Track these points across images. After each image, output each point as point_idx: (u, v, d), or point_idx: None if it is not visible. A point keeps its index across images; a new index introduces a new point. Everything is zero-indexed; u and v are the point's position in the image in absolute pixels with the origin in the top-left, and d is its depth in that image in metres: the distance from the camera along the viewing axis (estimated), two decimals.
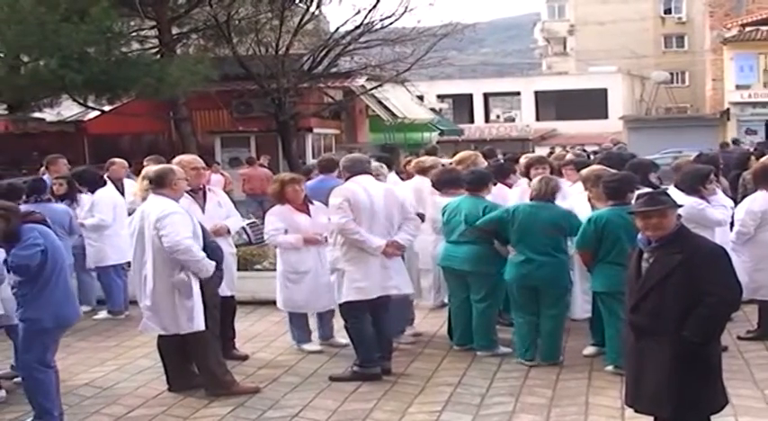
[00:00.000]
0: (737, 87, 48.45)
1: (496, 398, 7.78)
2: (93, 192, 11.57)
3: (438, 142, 35.29)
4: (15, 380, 8.08)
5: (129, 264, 11.15)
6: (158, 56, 24.42)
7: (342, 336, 9.21)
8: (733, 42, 48.55)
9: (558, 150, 24.80)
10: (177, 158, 8.98)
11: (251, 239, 13.84)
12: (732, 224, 9.35)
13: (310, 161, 25.68)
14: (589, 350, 8.95)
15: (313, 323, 9.62)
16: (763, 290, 9.20)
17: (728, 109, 49.44)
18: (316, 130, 30.73)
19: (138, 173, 10.46)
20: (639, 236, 5.94)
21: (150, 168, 9.59)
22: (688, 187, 9.01)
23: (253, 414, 7.55)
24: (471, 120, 63.24)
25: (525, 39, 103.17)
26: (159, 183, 7.94)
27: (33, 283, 6.96)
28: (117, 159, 13.32)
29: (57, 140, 24.73)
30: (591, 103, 60.05)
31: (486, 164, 11.52)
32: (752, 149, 19.76)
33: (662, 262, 5.73)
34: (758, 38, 47.22)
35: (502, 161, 13.07)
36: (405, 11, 28.05)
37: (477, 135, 56.64)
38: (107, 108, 24.44)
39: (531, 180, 9.68)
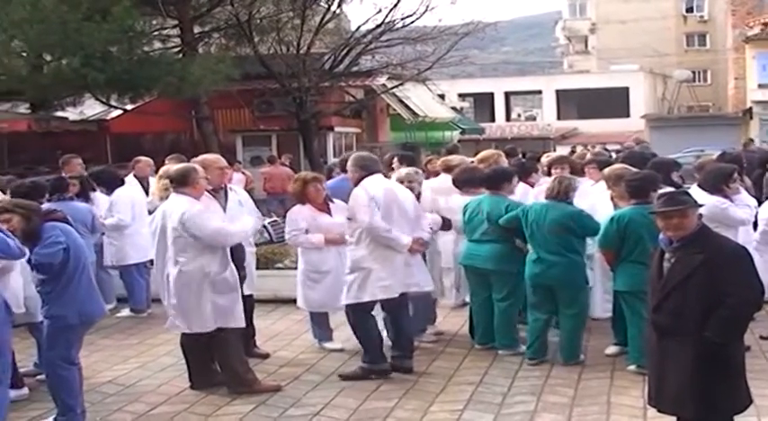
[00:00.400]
0: (760, 86, 48.13)
1: (518, 397, 7.76)
2: (111, 191, 11.62)
3: (459, 141, 35.24)
4: (39, 377, 8.12)
5: (151, 262, 11.26)
6: (180, 55, 24.50)
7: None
8: (755, 41, 48.26)
9: (579, 149, 24.73)
10: (201, 157, 8.95)
11: (272, 238, 13.87)
12: (756, 223, 9.28)
13: (331, 160, 25.68)
14: (611, 349, 8.92)
15: (334, 321, 9.63)
16: None
17: (751, 108, 49.17)
18: (337, 129, 30.74)
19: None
20: (661, 236, 5.92)
21: (170, 167, 9.65)
22: (711, 186, 8.96)
23: (274, 412, 7.56)
24: (492, 119, 63.13)
25: (546, 37, 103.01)
26: (181, 182, 7.96)
27: (57, 281, 7.00)
28: (143, 157, 13.40)
29: (79, 139, 24.82)
30: (612, 102, 59.87)
31: (507, 163, 11.49)
32: None
33: (683, 262, 5.71)
34: None
35: (523, 160, 13.03)
36: (426, 9, 28.13)
37: (498, 134, 56.51)
38: (129, 107, 24.56)
39: None
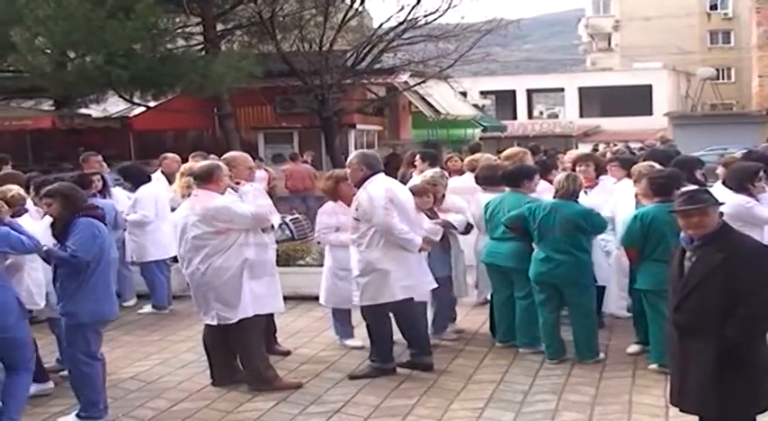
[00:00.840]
0: None
1: (539, 395, 7.74)
2: (136, 187, 11.65)
3: (480, 139, 35.23)
4: (62, 373, 8.15)
5: (172, 259, 11.30)
6: (203, 52, 24.58)
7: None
8: None
9: (601, 147, 24.65)
10: (231, 155, 8.93)
11: (294, 235, 13.83)
12: None
13: None
14: (633, 348, 8.88)
15: (355, 319, 9.63)
16: None
17: None
18: (359, 127, 30.74)
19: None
20: (682, 234, 5.89)
21: (193, 165, 9.68)
22: (737, 185, 8.88)
23: (295, 409, 7.57)
24: (514, 117, 63.05)
25: (569, 35, 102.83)
26: (205, 179, 8.00)
27: (75, 278, 6.99)
28: (170, 154, 13.45)
29: (102, 136, 24.96)
30: (635, 100, 59.68)
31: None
32: None
33: (704, 261, 5.68)
34: None
35: (544, 158, 13.01)
36: (448, 7, 28.09)
37: (521, 131, 56.46)
38: (152, 104, 24.67)
39: None
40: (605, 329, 9.59)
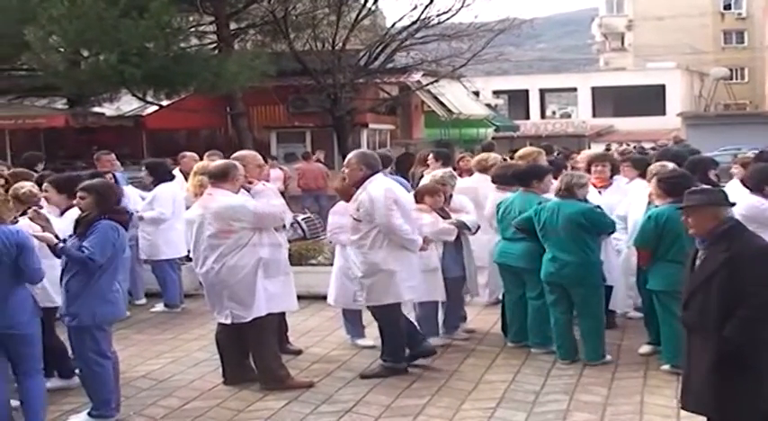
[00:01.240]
0: None
1: (551, 395, 7.73)
2: (156, 184, 11.67)
3: (493, 138, 35.21)
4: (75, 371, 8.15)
5: (185, 258, 11.33)
6: (216, 51, 24.65)
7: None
8: None
9: (614, 147, 24.62)
10: (240, 153, 8.92)
11: (306, 234, 13.88)
12: None
13: None
14: (644, 349, 8.86)
15: (366, 318, 9.62)
16: None
17: None
18: (371, 126, 30.76)
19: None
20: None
21: (207, 164, 9.69)
22: (755, 185, 8.83)
23: (306, 408, 7.58)
24: (527, 117, 62.98)
25: (583, 34, 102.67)
26: (221, 178, 8.01)
27: (82, 278, 6.99)
28: (188, 152, 13.49)
29: (115, 135, 25.03)
30: (648, 100, 59.52)
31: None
32: None
33: (711, 259, 5.70)
34: None
35: (558, 157, 13.00)
36: (462, 6, 28.18)
37: (533, 131, 56.38)
38: (165, 103, 24.72)
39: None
40: (617, 329, 9.58)
